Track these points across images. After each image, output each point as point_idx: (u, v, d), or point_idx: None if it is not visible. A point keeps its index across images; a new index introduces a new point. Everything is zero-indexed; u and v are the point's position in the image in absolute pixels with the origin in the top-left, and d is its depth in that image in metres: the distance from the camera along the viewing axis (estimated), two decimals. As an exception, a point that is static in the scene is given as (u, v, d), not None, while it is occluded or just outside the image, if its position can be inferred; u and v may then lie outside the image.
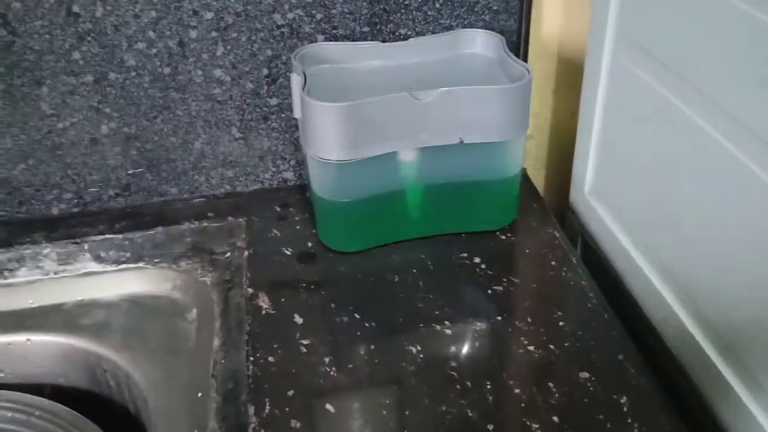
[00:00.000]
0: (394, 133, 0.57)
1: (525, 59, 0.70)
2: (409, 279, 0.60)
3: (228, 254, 0.65)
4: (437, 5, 0.65)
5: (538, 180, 0.80)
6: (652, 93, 0.53)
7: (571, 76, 0.74)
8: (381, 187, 0.60)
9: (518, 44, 0.69)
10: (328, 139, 0.56)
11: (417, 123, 0.57)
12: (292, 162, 0.71)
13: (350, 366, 0.52)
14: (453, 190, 0.62)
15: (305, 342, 0.54)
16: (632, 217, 0.60)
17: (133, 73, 0.62)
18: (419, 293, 0.58)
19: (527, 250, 0.63)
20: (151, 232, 0.66)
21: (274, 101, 0.67)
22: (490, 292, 0.58)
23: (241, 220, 0.68)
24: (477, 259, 0.62)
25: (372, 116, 0.55)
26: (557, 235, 0.65)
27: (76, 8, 0.58)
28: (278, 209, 0.69)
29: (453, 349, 0.53)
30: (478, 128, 0.58)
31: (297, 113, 0.60)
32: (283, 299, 0.58)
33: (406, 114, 0.56)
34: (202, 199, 0.70)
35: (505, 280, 0.59)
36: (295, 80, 0.58)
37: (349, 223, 0.61)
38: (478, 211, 0.64)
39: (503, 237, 0.65)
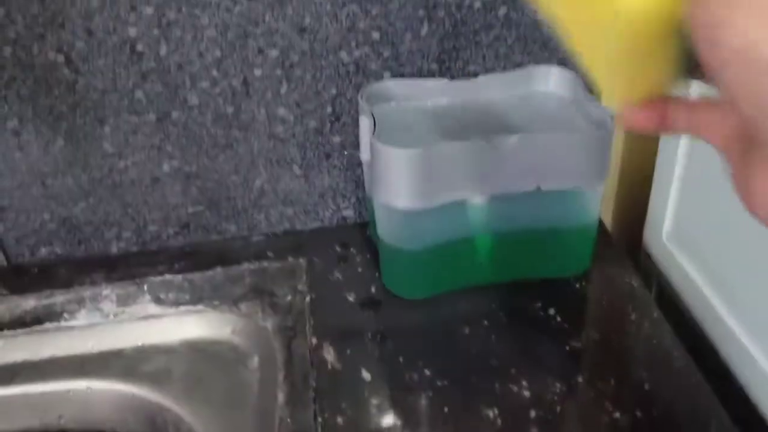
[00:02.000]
0: (467, 181, 0.54)
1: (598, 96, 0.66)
2: (481, 331, 0.57)
3: (289, 297, 0.63)
4: (509, 42, 0.61)
5: (605, 215, 0.76)
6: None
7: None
8: (451, 234, 0.57)
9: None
10: (398, 186, 0.53)
11: (492, 170, 0.54)
12: (353, 200, 0.68)
13: None
14: (526, 237, 0.58)
15: (375, 402, 0.51)
16: (718, 267, 0.56)
17: (196, 112, 0.60)
18: (492, 348, 0.55)
19: (604, 301, 0.60)
20: (211, 272, 0.64)
21: (336, 139, 0.64)
22: (567, 348, 0.55)
23: (301, 260, 0.66)
24: (552, 311, 0.58)
25: (445, 163, 0.52)
26: (635, 284, 0.61)
27: (140, 47, 0.56)
28: (339, 249, 0.67)
29: (533, 413, 0.49)
30: (557, 175, 0.55)
31: (364, 156, 0.57)
32: (348, 351, 0.55)
33: (481, 161, 0.53)
34: (261, 238, 0.68)
35: (583, 335, 0.56)
36: (364, 123, 0.55)
37: (416, 270, 0.59)
38: (551, 259, 0.60)
39: (578, 285, 0.61)
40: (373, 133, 0.54)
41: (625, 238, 0.75)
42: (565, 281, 0.61)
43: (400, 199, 0.54)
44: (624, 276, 0.62)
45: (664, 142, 0.62)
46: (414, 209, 0.54)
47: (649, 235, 0.67)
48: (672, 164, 0.60)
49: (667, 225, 0.64)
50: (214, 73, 0.58)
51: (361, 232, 0.69)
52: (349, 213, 0.69)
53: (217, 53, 0.58)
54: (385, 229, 0.57)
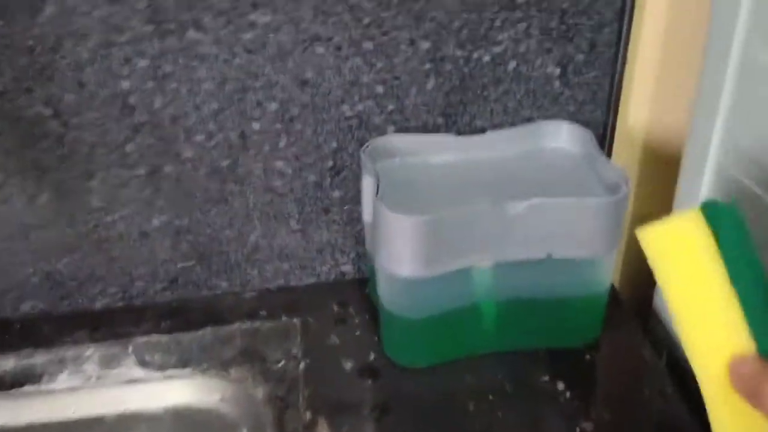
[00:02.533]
0: (475, 247, 0.52)
1: (609, 152, 0.65)
2: (486, 406, 0.55)
3: (282, 363, 0.61)
4: (518, 96, 0.60)
5: (614, 275, 0.75)
6: (759, 203, 0.48)
7: (656, 169, 0.68)
8: (455, 302, 0.55)
9: (603, 136, 0.64)
10: (402, 253, 0.52)
11: (501, 236, 0.52)
12: (352, 255, 0.67)
13: None
14: (534, 306, 0.57)
15: (373, 487, 0.49)
16: None
17: (190, 166, 0.59)
18: (499, 426, 0.53)
19: (616, 375, 0.58)
20: (199, 332, 0.63)
21: (336, 193, 0.63)
22: (578, 429, 0.53)
23: (295, 320, 0.64)
24: (561, 385, 0.56)
25: (452, 230, 0.51)
26: (647, 357, 0.59)
27: (132, 100, 0.55)
28: (336, 308, 0.65)
29: (542, 504, 0.47)
30: (569, 243, 0.53)
31: (367, 217, 0.56)
32: (345, 427, 0.53)
33: (489, 226, 0.52)
34: (254, 294, 0.67)
35: (594, 414, 0.54)
36: (367, 182, 0.54)
37: (418, 339, 0.57)
38: (560, 328, 0.59)
39: (588, 356, 0.59)
40: (377, 195, 0.52)
41: (635, 299, 0.73)
42: (574, 351, 0.60)
43: (404, 267, 0.52)
44: (635, 345, 0.60)
45: (679, 203, 0.60)
46: (418, 277, 0.52)
47: (659, 300, 0.65)
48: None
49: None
50: (211, 126, 0.57)
51: (360, 290, 0.67)
52: (347, 269, 0.68)
53: (214, 106, 0.56)
54: (386, 296, 0.56)
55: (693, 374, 0.59)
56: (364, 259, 0.67)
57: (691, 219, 0.32)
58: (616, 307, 0.63)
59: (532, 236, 0.53)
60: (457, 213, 0.51)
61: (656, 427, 0.53)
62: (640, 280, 0.71)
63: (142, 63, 0.53)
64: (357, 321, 0.64)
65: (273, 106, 0.57)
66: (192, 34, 0.53)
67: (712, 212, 0.32)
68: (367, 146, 0.58)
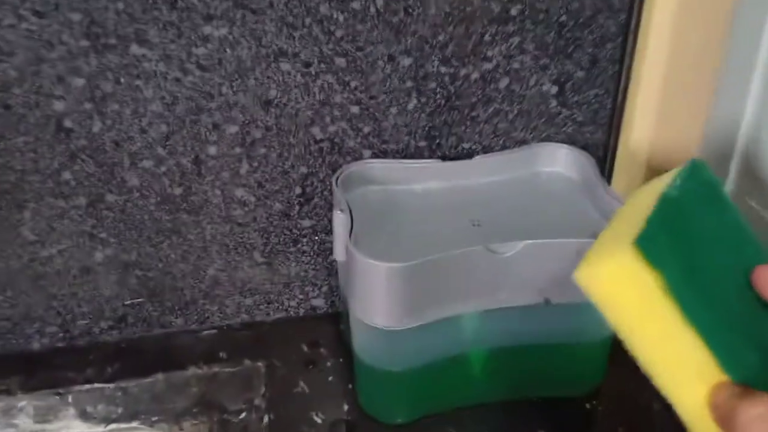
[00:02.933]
0: (463, 294, 0.47)
1: (610, 177, 0.60)
2: (473, 470, 0.50)
3: (243, 415, 0.55)
4: (510, 117, 0.55)
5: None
6: None
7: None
8: (440, 352, 0.50)
9: (604, 159, 0.59)
10: (379, 302, 0.46)
11: (492, 281, 0.47)
12: (324, 288, 0.61)
13: None
14: (529, 354, 0.52)
15: None
16: None
17: (137, 194, 0.52)
18: (487, 496, 0.48)
19: (620, 429, 0.53)
20: (150, 379, 0.57)
21: (306, 223, 0.57)
22: (576, 496, 0.48)
23: (259, 364, 0.58)
24: (556, 441, 0.51)
25: (436, 276, 0.45)
26: (655, 406, 0.54)
27: (68, 123, 0.48)
28: (306, 349, 0.60)
29: None
30: (569, 286, 0.48)
31: (339, 256, 0.50)
32: (314, 497, 0.48)
33: (479, 271, 0.46)
34: (213, 332, 0.61)
35: (594, 476, 0.49)
36: (339, 220, 0.48)
37: (397, 392, 0.52)
38: (558, 377, 0.54)
39: (587, 406, 0.55)
40: (350, 236, 0.47)
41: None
42: (573, 400, 0.55)
43: (380, 318, 0.47)
44: (641, 392, 0.55)
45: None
46: (397, 329, 0.47)
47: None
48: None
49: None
50: (159, 150, 0.51)
51: (333, 325, 0.62)
52: (319, 302, 0.62)
53: (163, 129, 0.50)
54: (361, 347, 0.50)
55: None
56: (337, 292, 0.62)
57: (626, 256, 0.28)
58: (616, 347, 0.58)
59: (528, 280, 0.48)
60: (442, 258, 0.45)
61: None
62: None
63: (78, 82, 0.47)
64: (329, 364, 0.58)
65: (232, 128, 0.51)
66: (135, 49, 0.46)
67: (651, 245, 0.28)
68: (340, 173, 0.52)
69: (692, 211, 0.31)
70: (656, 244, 0.28)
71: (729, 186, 0.50)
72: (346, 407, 0.54)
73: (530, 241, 0.46)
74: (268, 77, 0.49)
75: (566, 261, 0.47)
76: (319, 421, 0.53)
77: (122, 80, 0.47)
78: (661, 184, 0.32)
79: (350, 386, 0.56)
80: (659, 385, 0.30)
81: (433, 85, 0.52)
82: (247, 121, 0.51)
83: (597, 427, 0.54)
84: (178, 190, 0.53)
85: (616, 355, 0.56)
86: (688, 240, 0.30)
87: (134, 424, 0.55)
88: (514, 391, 0.54)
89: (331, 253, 0.59)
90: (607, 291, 0.29)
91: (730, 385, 0.29)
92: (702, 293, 0.29)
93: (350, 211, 0.48)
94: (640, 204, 0.31)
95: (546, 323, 0.50)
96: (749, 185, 0.47)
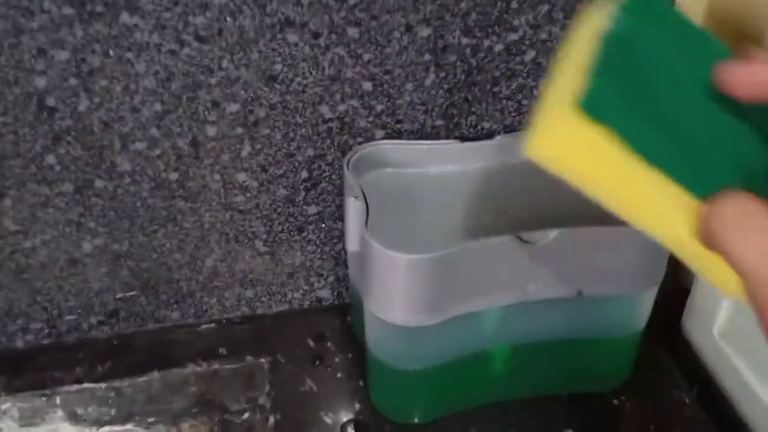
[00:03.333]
0: (489, 288, 0.44)
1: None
2: (497, 474, 0.47)
3: (247, 415, 0.52)
4: (535, 92, 0.51)
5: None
6: None
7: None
8: (461, 350, 0.47)
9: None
10: (397, 297, 0.43)
11: (523, 273, 0.44)
12: (330, 279, 0.58)
13: None
14: (556, 349, 0.49)
15: None
16: None
17: (128, 180, 0.49)
18: (514, 503, 0.45)
19: (651, 426, 0.50)
20: (144, 378, 0.53)
21: (312, 209, 0.53)
22: (609, 501, 0.45)
23: (262, 360, 0.55)
24: (585, 442, 0.49)
25: (460, 268, 0.42)
26: (687, 400, 0.52)
27: (51, 101, 0.44)
28: (312, 344, 0.56)
29: None
30: (603, 277, 0.45)
31: (352, 246, 0.47)
32: (327, 507, 0.45)
33: (509, 262, 0.43)
34: (212, 326, 0.57)
35: (626, 479, 0.46)
36: (353, 208, 0.45)
37: (414, 392, 0.49)
38: (585, 372, 0.51)
39: (615, 402, 0.52)
40: (366, 225, 0.43)
41: (662, 325, 0.66)
42: (600, 396, 0.52)
43: (399, 314, 0.43)
44: (670, 387, 0.53)
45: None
46: (416, 326, 0.44)
47: (693, 326, 0.58)
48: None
49: (722, 318, 0.54)
50: (153, 132, 0.47)
51: (340, 318, 0.58)
52: (325, 294, 0.59)
53: (157, 107, 0.46)
54: (376, 344, 0.47)
55: (733, 413, 0.52)
56: (345, 283, 0.58)
57: (571, 123, 0.27)
58: (645, 340, 0.55)
59: (561, 272, 0.44)
60: (468, 249, 0.42)
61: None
62: (667, 302, 0.63)
63: (61, 55, 0.42)
64: (337, 360, 0.55)
65: (233, 107, 0.47)
66: (126, 18, 0.42)
67: (597, 103, 0.27)
68: (351, 156, 0.48)
69: (639, 43, 0.29)
70: (602, 99, 0.27)
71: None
72: (357, 406, 0.51)
73: (565, 230, 0.43)
74: (273, 50, 0.45)
75: (602, 250, 0.44)
76: (329, 421, 0.50)
77: (111, 53, 0.43)
78: (602, 16, 0.29)
79: (361, 383, 0.53)
80: (645, 230, 0.28)
81: (453, 58, 0.48)
82: (249, 99, 0.47)
83: (627, 423, 0.51)
84: (173, 175, 0.49)
85: (644, 348, 0.53)
86: (640, 79, 0.29)
87: (128, 426, 0.52)
88: (539, 387, 0.51)
89: (339, 241, 0.56)
90: (561, 160, 0.27)
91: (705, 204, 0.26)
92: (663, 132, 0.28)
93: (365, 198, 0.45)
94: (581, 46, 0.29)
95: (575, 316, 0.47)
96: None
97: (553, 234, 0.43)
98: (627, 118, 0.27)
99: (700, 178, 0.27)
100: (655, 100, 0.28)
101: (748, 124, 0.28)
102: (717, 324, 0.54)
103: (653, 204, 0.28)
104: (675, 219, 0.27)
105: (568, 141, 0.27)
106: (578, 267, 0.44)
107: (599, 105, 0.27)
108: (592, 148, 0.27)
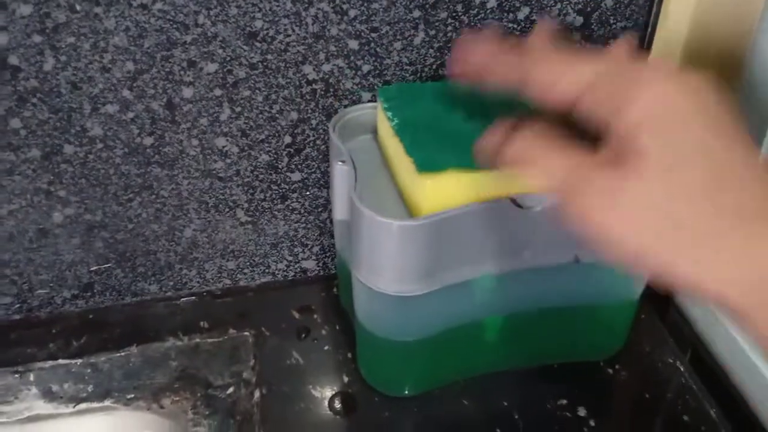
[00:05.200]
0: (484, 254, 0.43)
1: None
2: (491, 447, 0.47)
3: (231, 390, 0.52)
4: (530, 50, 0.50)
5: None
6: None
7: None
8: (454, 320, 0.47)
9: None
10: (388, 265, 0.42)
11: (516, 239, 0.43)
12: (315, 248, 0.57)
13: None
14: (552, 317, 0.49)
15: None
16: None
17: (100, 145, 0.47)
18: (509, 476, 0.45)
19: (646, 395, 0.51)
20: (122, 353, 0.53)
21: (296, 176, 0.53)
22: (606, 473, 0.46)
23: (246, 333, 0.54)
24: (582, 411, 0.49)
25: (455, 234, 0.42)
26: (681, 368, 0.52)
27: (13, 60, 0.43)
28: (298, 315, 0.56)
29: None
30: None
31: (339, 214, 0.46)
32: (316, 483, 0.45)
33: (502, 228, 0.43)
34: (193, 299, 0.57)
35: (624, 450, 0.47)
36: (341, 173, 0.44)
37: (405, 364, 0.48)
38: (580, 341, 0.51)
39: (610, 371, 0.52)
40: (354, 189, 0.43)
41: (653, 292, 0.66)
42: (595, 366, 0.52)
43: (390, 283, 0.43)
44: (665, 354, 0.53)
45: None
46: (408, 295, 0.43)
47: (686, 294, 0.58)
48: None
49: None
50: (126, 93, 0.46)
51: (326, 289, 0.58)
52: (310, 264, 0.58)
53: (130, 67, 0.45)
54: (366, 315, 0.46)
55: (725, 376, 0.53)
56: (331, 253, 0.58)
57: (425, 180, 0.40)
58: (639, 307, 0.55)
59: (557, 237, 0.44)
60: (462, 213, 0.41)
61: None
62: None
63: (23, 9, 0.41)
64: (324, 332, 0.55)
65: (211, 66, 0.46)
66: (94, -31, 0.40)
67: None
68: (337, 120, 0.47)
69: (415, 115, 0.43)
70: (425, 158, 0.40)
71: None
72: (345, 379, 0.51)
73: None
74: (252, 5, 0.44)
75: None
76: (317, 394, 0.50)
77: (78, 7, 0.42)
78: (384, 124, 0.45)
79: (349, 355, 0.53)
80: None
81: (443, 15, 0.47)
82: (228, 58, 0.46)
83: (622, 392, 0.51)
84: (148, 140, 0.48)
85: (638, 317, 0.54)
86: (433, 133, 0.42)
87: (107, 402, 0.51)
88: (533, 357, 0.51)
89: (324, 210, 0.55)
90: (443, 202, 0.40)
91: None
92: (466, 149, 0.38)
93: (353, 163, 0.44)
94: (390, 139, 0.44)
95: (571, 284, 0.47)
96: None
97: (548, 198, 0.42)
98: (448, 157, 0.39)
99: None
100: (452, 135, 0.41)
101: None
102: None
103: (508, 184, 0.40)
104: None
105: (435, 193, 0.40)
106: (574, 232, 0.44)
107: (426, 163, 0.39)
108: (448, 185, 0.39)
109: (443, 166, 0.39)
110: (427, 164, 0.40)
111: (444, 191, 0.40)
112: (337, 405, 0.49)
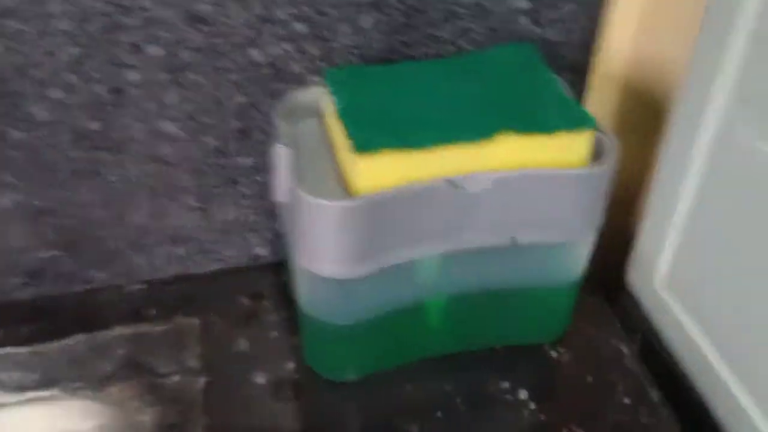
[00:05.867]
0: (421, 235, 0.45)
1: (581, 102, 0.59)
2: (433, 428, 0.49)
3: (176, 377, 0.53)
4: (477, 36, 0.53)
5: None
6: None
7: (641, 123, 0.63)
8: (394, 302, 0.48)
9: (576, 85, 0.58)
10: (326, 248, 0.44)
11: (454, 220, 0.45)
12: (267, 235, 0.59)
13: None
14: (492, 300, 0.51)
15: None
16: (722, 322, 0.50)
17: (46, 131, 0.49)
18: (450, 456, 0.47)
19: (589, 377, 0.53)
20: (69, 341, 0.54)
21: (245, 161, 0.54)
22: (547, 454, 0.48)
23: (194, 321, 0.56)
24: (523, 394, 0.51)
25: (391, 214, 0.43)
26: (625, 350, 0.54)
27: (-44, 43, 0.44)
28: (246, 302, 0.58)
29: None
30: (539, 225, 0.47)
31: (280, 197, 0.48)
32: (258, 466, 0.46)
33: (439, 209, 0.44)
34: (141, 287, 0.58)
35: (564, 431, 0.49)
36: (282, 155, 0.46)
37: (347, 347, 0.50)
38: (522, 324, 0.53)
39: (553, 353, 0.54)
40: (293, 172, 0.44)
41: (602, 275, 0.68)
42: (538, 349, 0.54)
43: (329, 265, 0.45)
44: (609, 337, 0.56)
45: (667, 169, 0.55)
46: (346, 278, 0.45)
47: (635, 278, 0.60)
48: (674, 196, 0.53)
49: (662, 269, 0.57)
50: (71, 77, 0.47)
51: (278, 276, 0.60)
52: (261, 251, 0.60)
53: (74, 51, 0.46)
54: (306, 299, 0.48)
55: (673, 362, 0.55)
56: (283, 238, 0.59)
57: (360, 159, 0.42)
58: (582, 286, 0.57)
59: (494, 219, 0.46)
60: (399, 193, 0.43)
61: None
62: (606, 248, 0.65)
63: (-35, -8, 0.42)
64: (273, 318, 0.56)
65: (156, 50, 0.48)
66: (34, -49, 0.42)
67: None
68: (284, 105, 0.49)
69: (357, 99, 0.45)
70: (363, 139, 0.42)
71: (717, 112, 0.48)
72: (291, 365, 0.53)
73: (497, 174, 0.44)
74: (196, -11, 0.46)
75: (536, 197, 0.46)
76: (261, 381, 0.52)
77: (21, -9, 0.43)
78: (330, 107, 0.46)
79: (296, 342, 0.54)
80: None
81: None
82: (173, 42, 0.47)
83: (565, 375, 0.53)
84: (94, 125, 0.50)
85: (580, 297, 0.56)
86: (374, 115, 0.44)
87: (53, 391, 0.52)
88: (476, 341, 0.53)
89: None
90: (382, 182, 0.43)
91: None
92: (412, 124, 0.43)
93: (294, 145, 0.46)
94: (332, 119, 0.46)
95: (511, 266, 0.49)
96: (740, 114, 0.46)
97: (485, 179, 0.44)
98: (386, 138, 0.41)
99: (459, 132, 0.43)
100: (394, 117, 0.44)
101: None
102: (657, 275, 0.57)
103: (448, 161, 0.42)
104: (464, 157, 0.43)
105: (371, 174, 0.42)
106: (512, 214, 0.46)
107: (364, 143, 0.41)
108: (384, 166, 0.41)
109: (379, 146, 0.41)
110: (363, 144, 0.41)
111: (380, 172, 0.42)
112: (281, 391, 0.51)
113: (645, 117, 0.62)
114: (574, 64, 0.56)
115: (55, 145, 0.49)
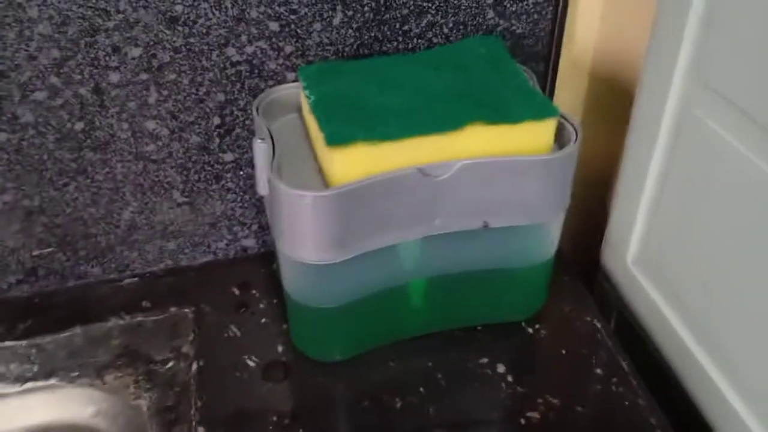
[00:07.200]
0: (397, 222, 0.45)
1: (552, 91, 0.58)
2: (416, 402, 0.48)
3: (171, 364, 0.52)
4: (445, 30, 0.52)
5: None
6: (732, 151, 0.42)
7: (606, 111, 0.62)
8: (375, 285, 0.48)
9: (545, 72, 0.57)
10: (306, 235, 0.43)
11: (428, 206, 0.45)
12: (254, 227, 0.58)
13: None
14: (470, 281, 0.50)
15: None
16: (692, 298, 0.50)
17: (32, 132, 0.48)
18: (432, 426, 0.47)
19: (563, 351, 0.52)
20: (67, 333, 0.53)
21: (228, 156, 0.53)
22: (524, 421, 0.47)
23: (187, 310, 0.55)
24: (501, 368, 0.51)
25: (365, 203, 0.43)
26: (598, 325, 0.54)
27: (-60, 49, 0.43)
28: (236, 292, 0.57)
29: None
30: (509, 209, 0.47)
31: (262, 190, 0.47)
32: (249, 445, 0.46)
33: (411, 196, 0.44)
34: (135, 281, 0.57)
35: (540, 401, 0.49)
36: (260, 150, 0.45)
37: (331, 330, 0.50)
38: (499, 303, 0.53)
39: (530, 330, 0.54)
40: (271, 165, 0.44)
41: (578, 254, 0.68)
42: (516, 326, 0.54)
43: (309, 252, 0.44)
44: (584, 314, 0.55)
45: (633, 153, 0.54)
46: (327, 263, 0.44)
47: (609, 257, 0.60)
48: (642, 177, 0.53)
49: (634, 247, 0.57)
50: (53, 80, 0.46)
51: (266, 266, 0.59)
52: (249, 243, 0.59)
53: (55, 54, 0.45)
54: (291, 284, 0.48)
55: (647, 338, 0.55)
56: (269, 231, 0.59)
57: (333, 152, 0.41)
58: (559, 267, 0.57)
59: (466, 204, 0.45)
60: (372, 183, 0.42)
61: (612, 412, 0.48)
62: (582, 231, 0.65)
63: (-55, -1, 0.41)
64: (262, 306, 0.56)
65: (135, 51, 0.47)
66: (11, -42, 0.41)
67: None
68: (261, 100, 0.48)
69: (332, 93, 0.45)
70: (336, 132, 0.42)
71: (676, 95, 0.48)
72: (280, 348, 0.52)
73: (465, 161, 0.44)
74: (171, -10, 0.45)
75: (504, 182, 0.45)
76: (252, 364, 0.51)
77: (-1, -3, 0.42)
78: (305, 102, 0.46)
79: (285, 327, 0.54)
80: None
81: (358, -4, 0.49)
82: (151, 42, 0.47)
83: (540, 350, 0.53)
84: (79, 125, 0.49)
85: (557, 277, 0.55)
86: (347, 110, 0.44)
87: (52, 381, 0.52)
88: (456, 320, 0.53)
89: (259, 188, 0.56)
90: (354, 173, 0.42)
91: None
92: (384, 118, 0.43)
93: (272, 139, 0.45)
94: (309, 118, 0.46)
95: (486, 248, 0.49)
96: (698, 95, 0.45)
97: (453, 166, 0.44)
98: (358, 130, 0.41)
99: (429, 124, 0.43)
100: (366, 110, 0.43)
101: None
102: (630, 252, 0.57)
103: (419, 151, 0.42)
104: (435, 147, 0.42)
105: (345, 165, 0.41)
106: (482, 199, 0.45)
107: (337, 136, 0.41)
108: (357, 157, 0.41)
109: (352, 138, 0.41)
110: (336, 137, 0.41)
111: (353, 163, 0.42)
112: (271, 373, 0.50)
113: (612, 103, 0.61)
114: (542, 54, 0.55)
115: (41, 145, 0.49)
